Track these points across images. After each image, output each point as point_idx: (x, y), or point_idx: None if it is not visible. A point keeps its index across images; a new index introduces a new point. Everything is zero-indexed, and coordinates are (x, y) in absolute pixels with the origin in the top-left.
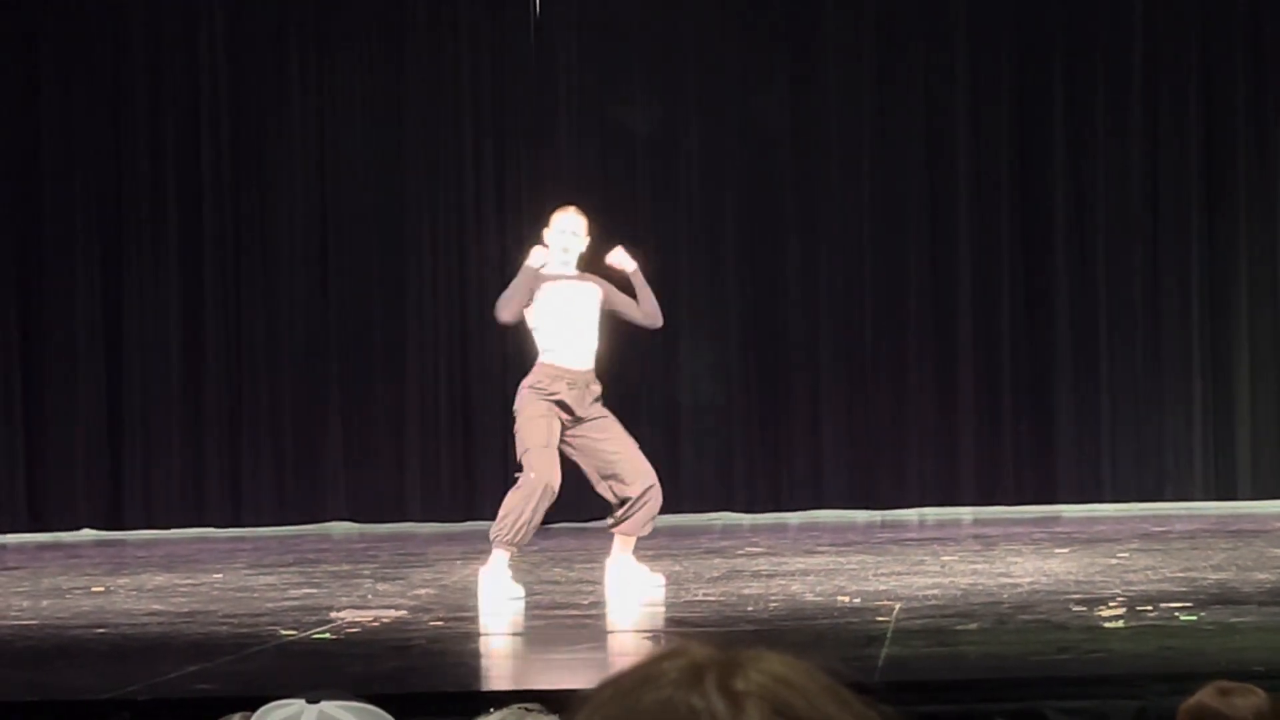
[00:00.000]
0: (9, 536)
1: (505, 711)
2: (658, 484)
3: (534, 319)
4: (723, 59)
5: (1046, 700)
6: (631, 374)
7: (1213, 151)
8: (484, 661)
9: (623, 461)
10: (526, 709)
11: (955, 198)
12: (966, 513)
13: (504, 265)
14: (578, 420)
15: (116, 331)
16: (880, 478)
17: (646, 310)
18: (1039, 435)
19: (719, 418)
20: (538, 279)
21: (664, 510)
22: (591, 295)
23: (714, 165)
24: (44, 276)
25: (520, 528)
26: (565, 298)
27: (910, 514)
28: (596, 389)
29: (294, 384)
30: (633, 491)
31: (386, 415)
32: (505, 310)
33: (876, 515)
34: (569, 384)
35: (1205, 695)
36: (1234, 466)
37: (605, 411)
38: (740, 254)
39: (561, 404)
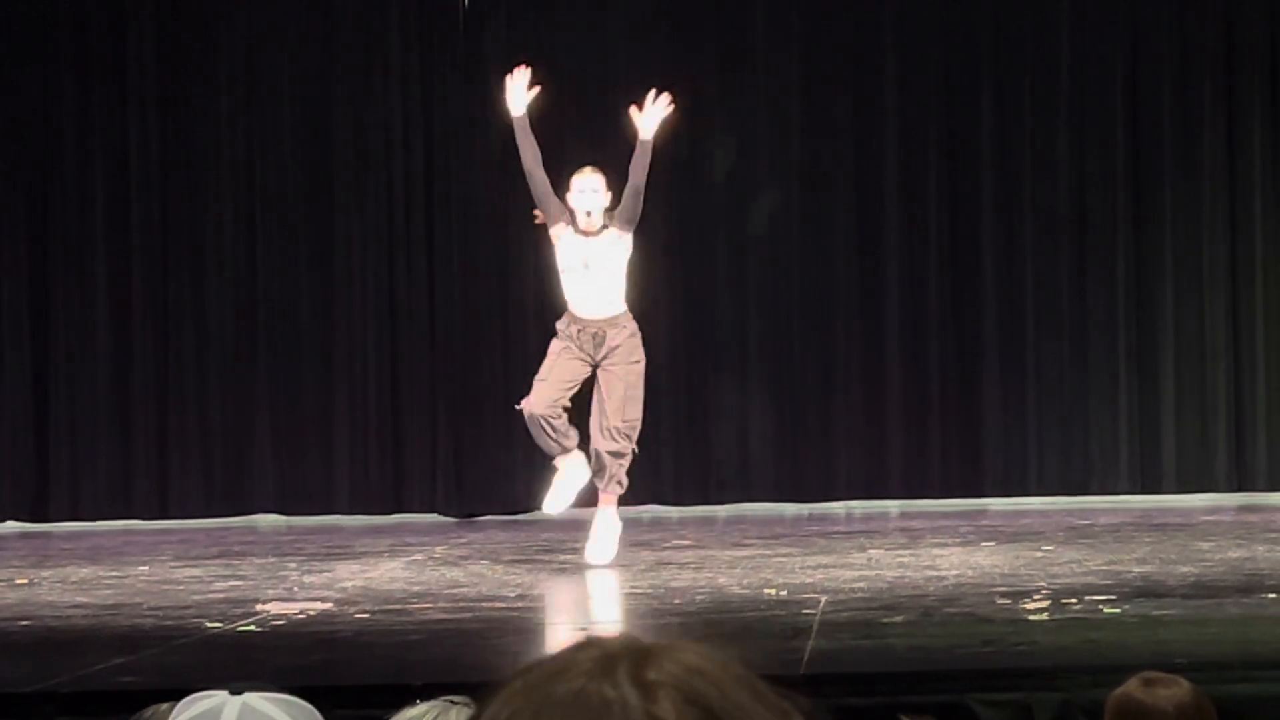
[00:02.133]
0: None
1: (431, 704)
2: (610, 450)
3: (560, 269)
4: (652, 53)
5: (971, 693)
6: None
7: (1139, 149)
8: (410, 654)
9: (596, 413)
10: (453, 701)
11: (883, 193)
12: (893, 506)
13: (432, 257)
14: (595, 365)
15: (42, 322)
16: (807, 471)
17: (632, 183)
18: (965, 429)
19: (646, 410)
20: (524, 131)
21: (593, 503)
22: (615, 248)
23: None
24: None
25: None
26: (585, 255)
27: (837, 507)
28: (616, 338)
29: (221, 376)
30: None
31: (314, 408)
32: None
33: (804, 508)
34: (579, 330)
35: (1131, 685)
36: (1159, 461)
37: (620, 363)
38: (669, 248)
39: (580, 345)
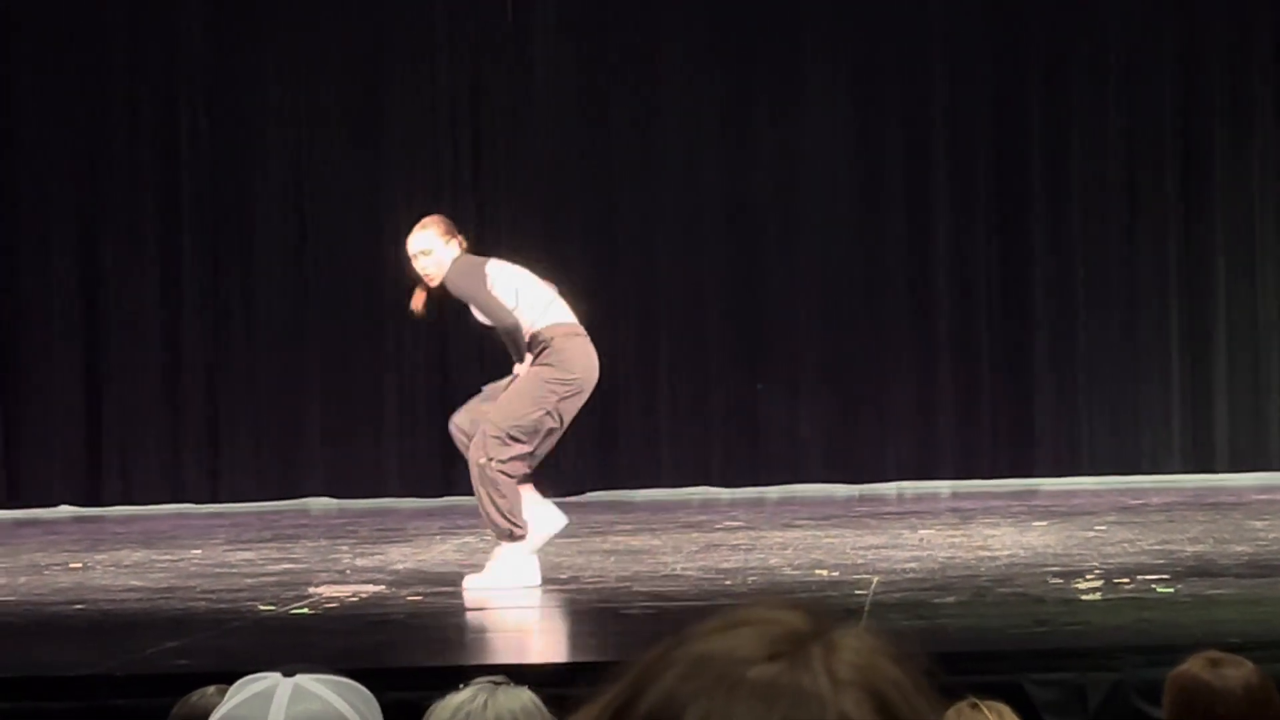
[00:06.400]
0: None
1: (476, 687)
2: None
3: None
4: (702, 38)
5: (1024, 673)
6: (610, 349)
7: (1190, 126)
8: (462, 636)
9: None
10: (495, 682)
11: (934, 173)
12: (944, 486)
13: (480, 240)
14: None
15: (95, 307)
16: (858, 452)
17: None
18: (1017, 409)
19: (697, 392)
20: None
21: (643, 484)
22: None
23: (694, 143)
24: (21, 253)
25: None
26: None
27: (888, 488)
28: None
29: (272, 359)
30: None
31: (365, 391)
32: None
33: (854, 489)
34: None
35: (1195, 666)
36: (1211, 439)
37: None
38: (719, 230)
39: None
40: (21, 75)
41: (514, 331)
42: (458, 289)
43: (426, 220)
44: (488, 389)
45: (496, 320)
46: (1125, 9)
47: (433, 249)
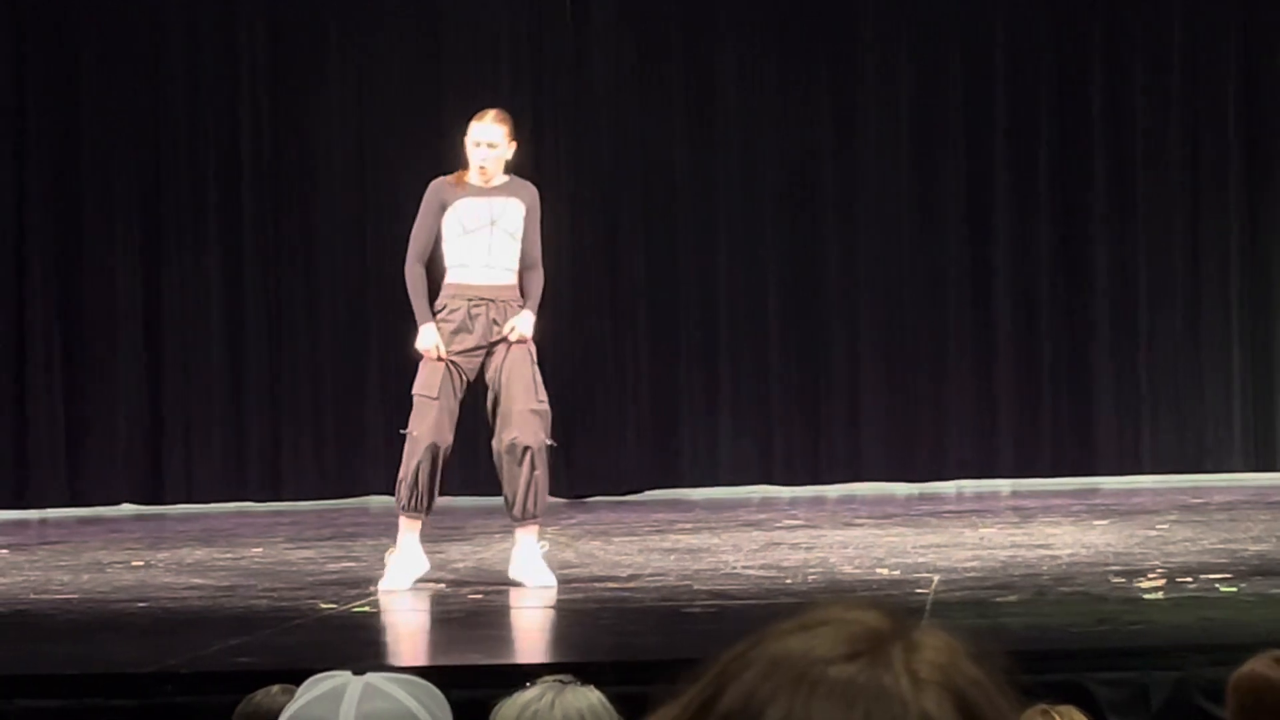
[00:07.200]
0: (50, 511)
1: (542, 685)
2: (534, 447)
3: (444, 240)
4: (761, 28)
5: (1087, 672)
6: (670, 347)
7: (1253, 124)
8: (522, 634)
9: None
10: (561, 681)
11: (993, 171)
12: (1004, 485)
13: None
14: (488, 351)
15: (156, 306)
16: (918, 450)
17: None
18: (1077, 407)
19: (757, 391)
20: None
21: (702, 483)
22: (513, 211)
23: (753, 137)
24: (83, 251)
25: (407, 493)
26: (479, 214)
27: (948, 486)
28: (515, 314)
29: (333, 358)
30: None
31: None
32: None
33: (915, 488)
34: (474, 303)
35: (1263, 665)
36: (1273, 438)
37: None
38: (779, 225)
39: (463, 332)
40: (81, 78)
41: (540, 277)
42: (536, 208)
43: (503, 115)
44: (445, 402)
45: (538, 256)
46: (1189, 5)
47: (499, 144)
